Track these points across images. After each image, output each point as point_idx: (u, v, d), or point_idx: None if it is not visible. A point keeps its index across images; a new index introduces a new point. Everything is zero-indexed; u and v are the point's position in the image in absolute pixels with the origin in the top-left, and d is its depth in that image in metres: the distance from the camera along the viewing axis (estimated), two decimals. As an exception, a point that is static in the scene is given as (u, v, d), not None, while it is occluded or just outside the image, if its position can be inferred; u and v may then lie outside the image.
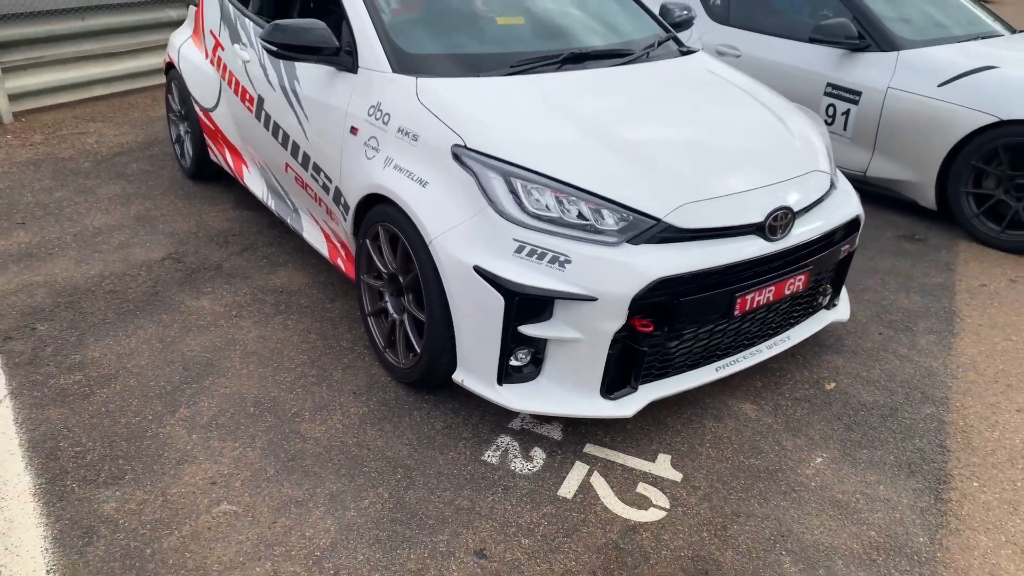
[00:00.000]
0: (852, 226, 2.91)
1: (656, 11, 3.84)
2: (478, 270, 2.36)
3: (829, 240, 2.79)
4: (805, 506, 2.39)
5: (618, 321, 2.34)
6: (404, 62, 2.88)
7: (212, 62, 4.17)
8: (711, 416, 2.79)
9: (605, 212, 2.38)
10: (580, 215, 2.38)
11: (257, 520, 2.27)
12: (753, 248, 2.50)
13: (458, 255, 2.41)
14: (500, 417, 2.74)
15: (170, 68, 4.70)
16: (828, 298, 3.06)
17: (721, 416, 2.79)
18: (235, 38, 3.91)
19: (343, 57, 3.02)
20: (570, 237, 2.35)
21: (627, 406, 2.49)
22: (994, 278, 3.92)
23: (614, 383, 2.50)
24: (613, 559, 2.17)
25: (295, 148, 3.38)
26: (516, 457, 2.56)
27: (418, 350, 2.71)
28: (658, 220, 2.39)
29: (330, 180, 3.13)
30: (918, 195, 4.52)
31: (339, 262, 3.32)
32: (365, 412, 2.75)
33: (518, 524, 2.29)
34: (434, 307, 2.53)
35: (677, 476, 2.50)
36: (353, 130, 2.93)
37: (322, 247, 3.45)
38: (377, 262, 2.87)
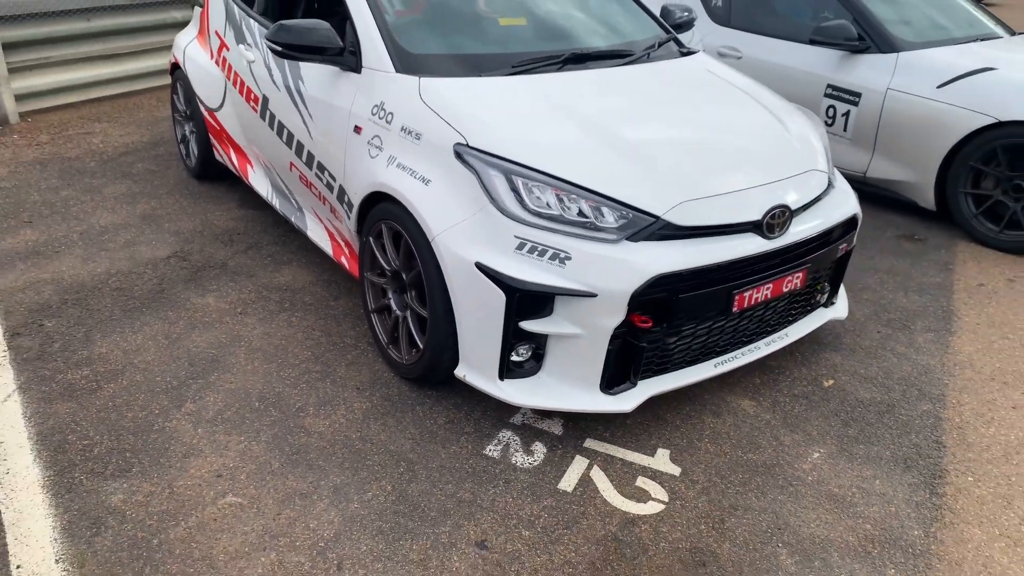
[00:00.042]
0: (850, 225, 2.94)
1: (657, 13, 3.88)
2: (480, 267, 2.39)
3: (827, 238, 2.82)
4: (802, 500, 2.42)
5: (618, 317, 2.38)
6: (407, 62, 2.92)
7: (217, 62, 4.22)
8: (710, 412, 2.83)
9: (605, 210, 2.42)
10: (580, 213, 2.41)
11: (262, 512, 2.30)
12: (751, 246, 2.53)
13: (460, 252, 2.45)
14: (501, 412, 2.78)
15: (175, 69, 4.75)
16: (826, 296, 3.09)
17: (720, 412, 2.83)
18: (240, 39, 3.95)
19: (347, 57, 3.06)
20: (570, 234, 2.39)
21: (626, 401, 2.53)
22: (992, 278, 3.95)
23: (614, 378, 2.54)
24: (612, 551, 2.21)
25: (299, 147, 3.43)
26: (517, 451, 2.60)
27: (421, 346, 2.75)
28: (657, 218, 2.43)
29: (334, 179, 3.17)
30: (917, 196, 4.55)
31: (343, 260, 3.36)
32: (368, 407, 2.79)
33: (519, 516, 2.32)
34: (436, 303, 2.57)
35: (676, 470, 2.54)
36: (357, 129, 2.97)
37: (326, 245, 3.49)
38: (380, 259, 2.91)
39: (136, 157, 5.36)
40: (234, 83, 4.01)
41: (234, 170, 4.39)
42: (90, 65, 6.58)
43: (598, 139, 2.64)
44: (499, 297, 2.36)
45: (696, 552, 2.22)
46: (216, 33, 4.25)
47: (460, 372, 2.63)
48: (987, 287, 3.85)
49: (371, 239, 2.93)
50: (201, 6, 4.52)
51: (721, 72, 3.44)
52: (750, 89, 3.30)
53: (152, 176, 5.01)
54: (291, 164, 3.56)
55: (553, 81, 2.97)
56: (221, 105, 4.22)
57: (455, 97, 2.75)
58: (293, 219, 3.78)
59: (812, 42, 4.79)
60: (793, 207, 2.65)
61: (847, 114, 4.67)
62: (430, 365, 2.71)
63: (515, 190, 2.44)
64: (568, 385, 2.51)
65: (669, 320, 2.48)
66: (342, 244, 3.36)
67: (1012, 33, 5.18)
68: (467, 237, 2.46)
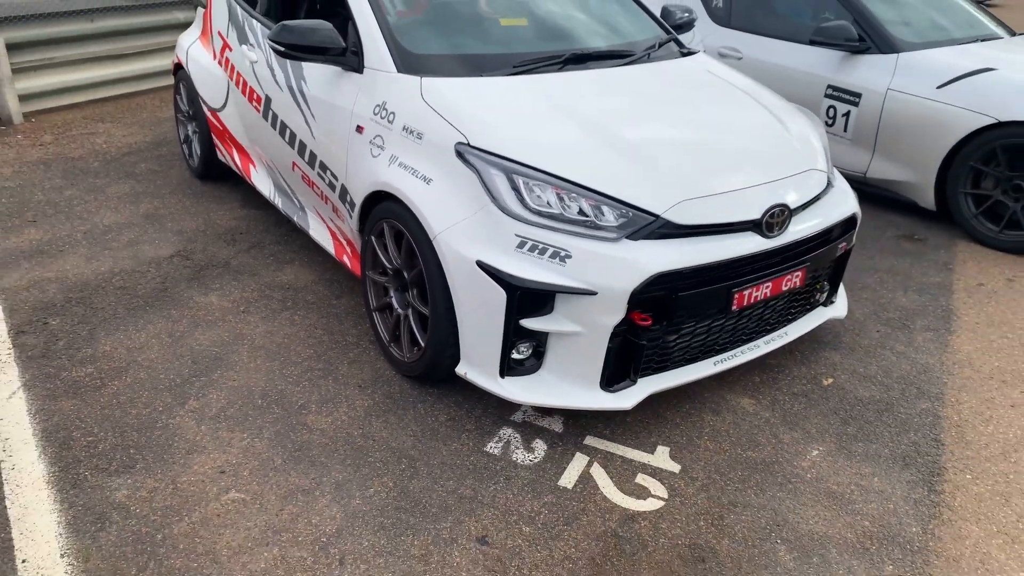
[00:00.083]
0: (849, 224, 2.95)
1: (658, 13, 3.90)
2: (481, 265, 2.41)
3: (826, 237, 2.84)
4: (801, 497, 2.44)
5: (617, 315, 2.39)
6: (409, 62, 2.94)
7: (220, 63, 4.24)
8: (709, 410, 2.84)
9: (605, 208, 2.44)
10: (581, 211, 2.43)
11: (265, 508, 2.32)
12: (750, 244, 2.55)
13: (461, 250, 2.47)
14: (502, 409, 2.79)
15: (178, 69, 4.77)
16: (826, 295, 3.11)
17: (719, 410, 2.84)
18: (243, 39, 3.97)
19: (349, 57, 3.08)
20: (571, 233, 2.41)
21: (626, 398, 2.55)
22: (992, 277, 3.96)
23: (614, 376, 2.55)
24: (612, 546, 2.23)
25: (302, 147, 3.45)
26: (518, 448, 2.62)
27: (422, 344, 2.77)
28: (657, 216, 2.45)
29: (336, 178, 3.19)
30: (917, 196, 4.57)
31: (345, 259, 3.38)
32: (370, 404, 2.81)
33: (519, 512, 2.34)
34: (438, 302, 2.59)
35: (675, 467, 2.55)
36: (359, 129, 3.00)
37: (328, 244, 3.51)
38: (382, 258, 2.93)
39: (139, 157, 5.39)
40: (237, 83, 4.03)
41: (237, 170, 4.41)
42: (94, 66, 6.62)
43: (598, 139, 2.65)
44: (500, 295, 2.38)
45: (695, 548, 2.23)
46: (219, 34, 4.27)
47: (461, 370, 2.65)
48: (987, 287, 3.86)
49: (373, 238, 2.95)
50: (204, 7, 4.54)
51: (721, 72, 3.46)
52: (750, 89, 3.32)
53: (155, 176, 5.03)
54: (293, 164, 3.58)
55: (554, 81, 2.99)
56: (224, 105, 4.24)
57: (456, 97, 2.77)
58: (295, 218, 3.80)
59: (812, 43, 4.80)
60: (792, 206, 2.66)
61: (847, 114, 4.69)
62: (431, 363, 2.73)
63: (516, 189, 2.46)
64: (568, 383, 2.53)
65: (669, 318, 2.49)
66: (344, 243, 3.38)
67: (1012, 34, 5.20)
68: (468, 236, 2.48)
